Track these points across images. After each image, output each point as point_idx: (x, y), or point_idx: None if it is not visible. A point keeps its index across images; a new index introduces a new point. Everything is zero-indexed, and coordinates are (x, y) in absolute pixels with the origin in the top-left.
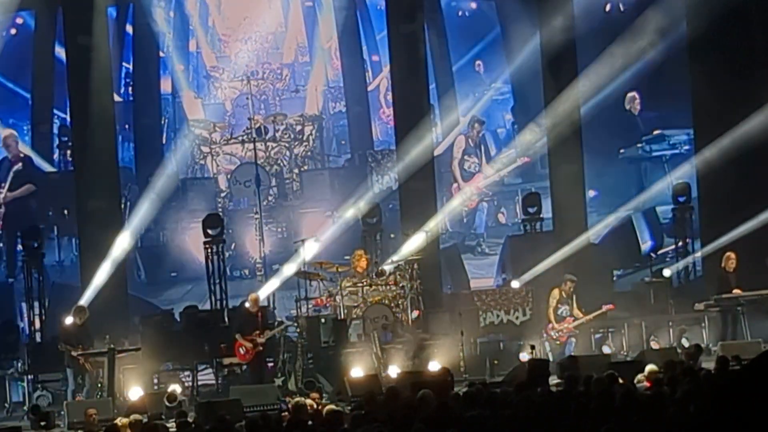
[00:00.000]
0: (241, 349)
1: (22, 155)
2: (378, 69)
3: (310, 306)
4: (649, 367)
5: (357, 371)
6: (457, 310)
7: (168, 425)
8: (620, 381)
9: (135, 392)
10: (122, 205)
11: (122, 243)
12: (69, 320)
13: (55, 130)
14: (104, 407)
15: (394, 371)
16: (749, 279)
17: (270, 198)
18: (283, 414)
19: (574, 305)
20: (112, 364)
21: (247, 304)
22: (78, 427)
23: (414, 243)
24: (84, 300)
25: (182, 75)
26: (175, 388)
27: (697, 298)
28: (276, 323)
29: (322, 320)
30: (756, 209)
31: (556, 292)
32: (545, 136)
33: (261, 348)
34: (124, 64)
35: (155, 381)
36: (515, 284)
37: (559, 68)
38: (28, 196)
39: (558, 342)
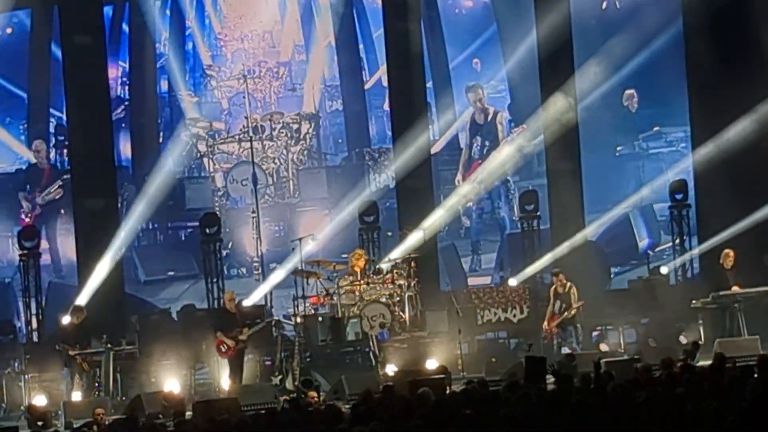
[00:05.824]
0: (222, 346)
1: (48, 164)
2: (375, 67)
3: (307, 304)
4: None
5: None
6: (454, 308)
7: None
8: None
9: (133, 391)
10: (119, 205)
11: (119, 242)
12: (66, 320)
13: (52, 130)
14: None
15: (391, 369)
16: (747, 276)
17: (267, 196)
18: None
19: (572, 300)
20: (110, 364)
21: (225, 303)
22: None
23: (411, 241)
24: (81, 299)
25: (179, 74)
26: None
27: (694, 295)
28: (254, 321)
29: (320, 319)
30: (753, 206)
31: (552, 288)
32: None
33: (243, 345)
34: (120, 63)
35: (153, 380)
36: (513, 282)
37: (556, 65)
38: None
39: (545, 341)
